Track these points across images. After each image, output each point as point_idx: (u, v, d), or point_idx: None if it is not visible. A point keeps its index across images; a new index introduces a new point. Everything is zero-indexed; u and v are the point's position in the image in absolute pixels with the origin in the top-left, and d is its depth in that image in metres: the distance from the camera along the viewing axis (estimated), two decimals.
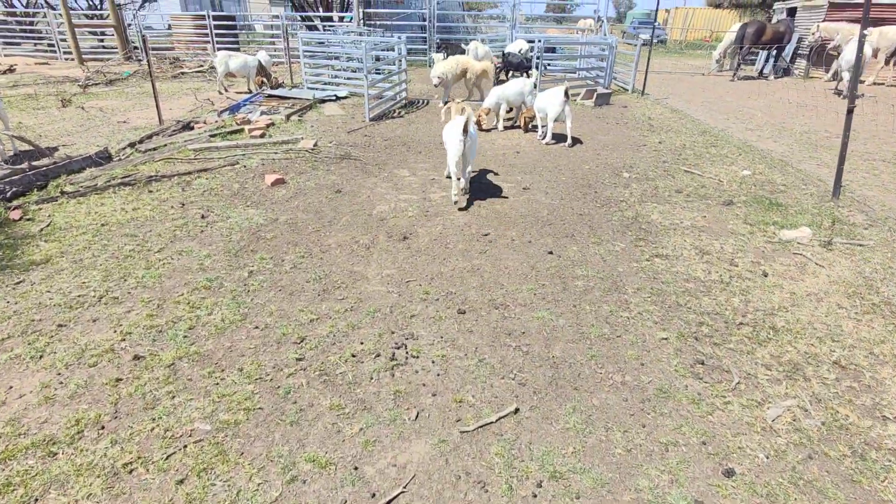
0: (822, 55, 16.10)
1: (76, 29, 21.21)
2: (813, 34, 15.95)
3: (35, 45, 21.13)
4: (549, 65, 13.29)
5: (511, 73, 13.70)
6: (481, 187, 5.62)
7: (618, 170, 6.46)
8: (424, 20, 18.57)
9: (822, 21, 15.98)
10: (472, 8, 39.20)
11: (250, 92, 12.09)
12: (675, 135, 8.53)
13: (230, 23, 20.89)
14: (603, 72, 12.76)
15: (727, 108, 11.60)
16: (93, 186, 5.31)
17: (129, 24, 19.91)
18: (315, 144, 6.98)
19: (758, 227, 4.75)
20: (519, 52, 14.20)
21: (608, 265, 3.91)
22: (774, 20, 20.24)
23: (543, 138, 7.86)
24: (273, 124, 8.53)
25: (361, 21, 17.65)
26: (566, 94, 7.29)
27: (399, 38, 11.12)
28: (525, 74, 13.07)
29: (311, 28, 20.52)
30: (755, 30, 16.07)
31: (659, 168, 6.57)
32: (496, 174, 6.15)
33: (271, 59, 12.88)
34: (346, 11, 20.21)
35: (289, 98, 10.54)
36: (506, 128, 8.70)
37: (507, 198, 5.32)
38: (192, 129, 8.11)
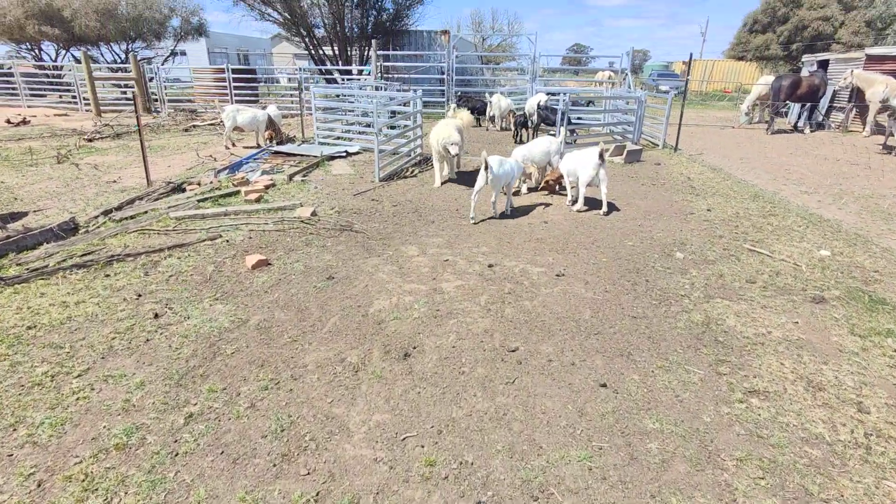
0: (860, 106, 15.22)
1: (100, 81, 21.59)
2: (845, 79, 15.16)
3: (60, 96, 21.51)
4: (573, 119, 12.56)
5: (530, 128, 13.02)
6: (504, 273, 4.61)
7: (668, 247, 5.41)
8: (443, 73, 18.26)
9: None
10: (490, 61, 39.74)
11: (259, 147, 11.55)
12: (724, 200, 7.51)
13: (250, 76, 20.98)
14: (631, 126, 11.96)
15: (770, 165, 10.59)
16: (40, 269, 4.45)
17: (152, 78, 20.07)
18: (313, 213, 6.12)
19: (870, 339, 3.61)
20: (538, 104, 13.62)
21: (688, 410, 2.80)
22: (805, 73, 19.55)
23: (574, 204, 6.91)
24: (274, 185, 7.77)
25: (379, 75, 17.41)
26: (601, 156, 6.38)
27: (415, 91, 10.52)
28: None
29: (330, 81, 20.47)
30: (790, 83, 15.29)
31: (717, 245, 5.50)
32: (518, 246, 5.15)
33: (281, 113, 12.41)
34: (366, 65, 20.14)
35: (296, 155, 9.89)
36: (530, 190, 7.81)
37: (537, 289, 4.29)
38: (184, 191, 7.37)
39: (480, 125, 15.43)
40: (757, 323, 3.79)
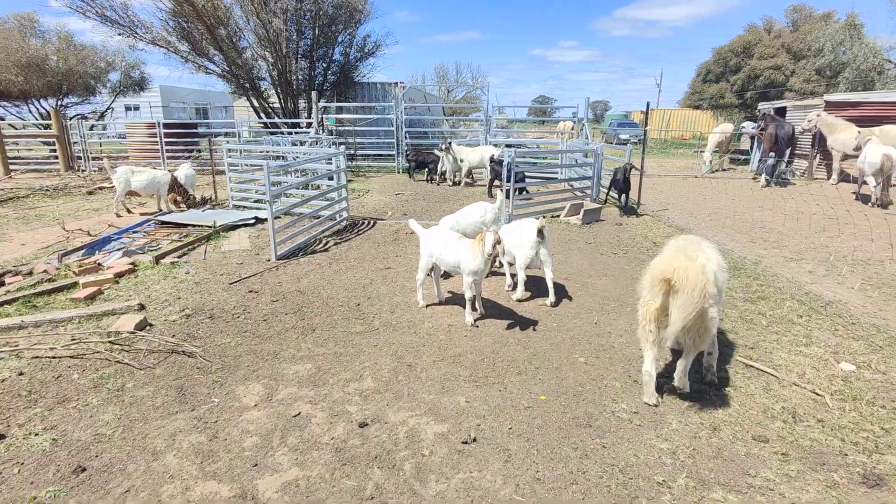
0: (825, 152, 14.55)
1: (16, 139, 19.75)
2: (810, 121, 14.48)
3: None
4: (526, 176, 11.32)
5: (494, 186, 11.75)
6: (380, 442, 2.90)
7: (633, 364, 3.83)
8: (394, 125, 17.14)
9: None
10: (455, 112, 39.48)
11: (161, 212, 9.84)
12: None
13: (186, 131, 19.38)
14: (589, 181, 10.73)
15: (742, 224, 9.40)
16: None
17: (80, 136, 18.29)
18: (141, 323, 4.35)
19: None
20: (491, 157, 12.47)
21: None
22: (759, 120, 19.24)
23: (513, 290, 5.35)
24: (134, 270, 6.02)
25: (321, 127, 16.10)
26: (540, 233, 4.89)
27: (338, 148, 9.09)
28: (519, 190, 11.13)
29: (275, 134, 19.08)
30: (787, 132, 14.48)
31: None
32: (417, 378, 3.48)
33: (195, 173, 10.76)
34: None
35: (187, 225, 8.17)
36: None
37: (423, 481, 2.59)
38: (3, 284, 5.54)
39: (431, 181, 14.15)
40: None
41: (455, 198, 11.86)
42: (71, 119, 20.77)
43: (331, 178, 9.17)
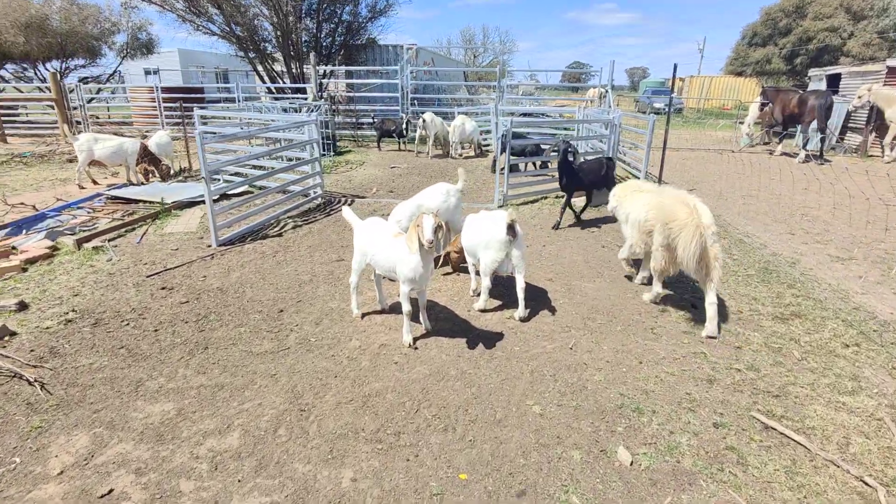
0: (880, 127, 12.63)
1: (26, 102, 19.51)
2: (859, 97, 12.57)
3: None
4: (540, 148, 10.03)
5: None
6: None
7: (607, 422, 2.79)
8: (404, 90, 15.98)
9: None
10: (481, 77, 37.53)
11: (130, 183, 9.10)
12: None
13: (191, 95, 18.49)
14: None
15: (781, 209, 8.03)
16: None
17: (91, 99, 17.74)
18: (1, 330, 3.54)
19: None
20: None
21: None
22: (811, 88, 17.15)
23: (478, 296, 4.33)
24: (52, 255, 5.25)
25: (320, 94, 14.99)
26: (511, 227, 3.81)
27: (310, 115, 8.05)
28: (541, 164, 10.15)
29: (279, 100, 18.07)
30: (831, 101, 12.73)
31: (701, 411, 2.89)
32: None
33: (170, 141, 9.90)
34: (325, 80, 17.70)
35: (139, 201, 7.36)
36: None
37: None
38: None
39: (400, 149, 13.75)
40: None
41: (454, 172, 10.73)
42: (79, 82, 20.15)
43: (303, 150, 8.16)
